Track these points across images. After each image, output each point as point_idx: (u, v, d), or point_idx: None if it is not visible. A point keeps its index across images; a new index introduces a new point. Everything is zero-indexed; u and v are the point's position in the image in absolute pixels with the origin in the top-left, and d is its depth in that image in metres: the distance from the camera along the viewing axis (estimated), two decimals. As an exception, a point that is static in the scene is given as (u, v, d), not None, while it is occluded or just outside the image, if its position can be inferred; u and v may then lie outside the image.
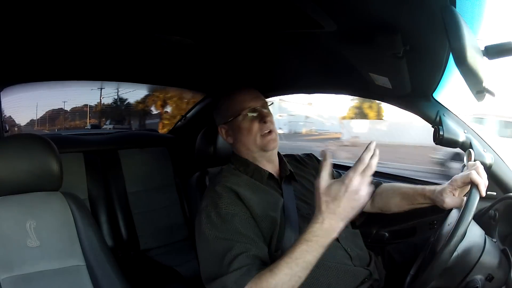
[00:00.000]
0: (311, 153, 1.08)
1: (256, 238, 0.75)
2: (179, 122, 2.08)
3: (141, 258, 1.59)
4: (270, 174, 0.89)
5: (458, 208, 0.79)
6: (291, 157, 1.03)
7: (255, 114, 0.88)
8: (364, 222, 1.05)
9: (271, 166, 0.92)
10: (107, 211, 1.61)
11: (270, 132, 0.88)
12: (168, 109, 1.82)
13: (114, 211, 1.63)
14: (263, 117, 0.87)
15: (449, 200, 0.81)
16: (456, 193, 0.82)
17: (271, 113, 0.91)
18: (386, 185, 1.01)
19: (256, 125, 0.87)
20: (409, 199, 0.93)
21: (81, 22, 0.93)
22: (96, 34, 1.03)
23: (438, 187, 0.86)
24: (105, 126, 2.31)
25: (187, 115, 2.02)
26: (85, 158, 1.62)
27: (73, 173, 1.51)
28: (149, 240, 1.65)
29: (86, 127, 2.36)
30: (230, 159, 0.95)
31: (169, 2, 0.81)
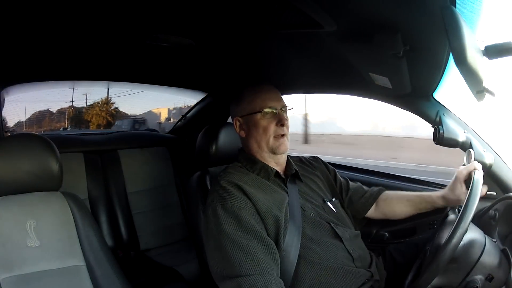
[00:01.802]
0: (316, 156, 1.09)
1: (263, 232, 0.75)
2: (179, 122, 2.08)
3: (141, 258, 1.59)
4: (276, 172, 0.90)
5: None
6: (297, 159, 1.04)
7: (274, 115, 0.88)
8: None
9: (277, 166, 0.92)
10: (107, 211, 1.61)
11: (283, 135, 0.89)
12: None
13: (114, 211, 1.63)
14: (281, 120, 0.88)
15: (464, 196, 0.83)
16: (464, 187, 0.85)
17: (288, 118, 0.91)
18: (390, 192, 1.03)
19: (272, 126, 0.87)
20: (415, 206, 0.97)
21: (82, 22, 0.93)
22: (97, 34, 1.03)
23: (445, 190, 0.89)
24: (68, 128, 2.86)
25: (187, 115, 2.02)
26: (85, 158, 1.62)
27: (73, 173, 1.51)
28: (149, 240, 1.64)
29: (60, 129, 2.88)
30: (235, 158, 0.95)
31: (169, 2, 0.81)
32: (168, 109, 2.74)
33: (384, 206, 1.01)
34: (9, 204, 0.85)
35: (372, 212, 1.01)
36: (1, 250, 0.80)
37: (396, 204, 0.99)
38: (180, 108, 2.40)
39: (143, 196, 1.70)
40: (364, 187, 1.05)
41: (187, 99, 2.10)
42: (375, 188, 1.04)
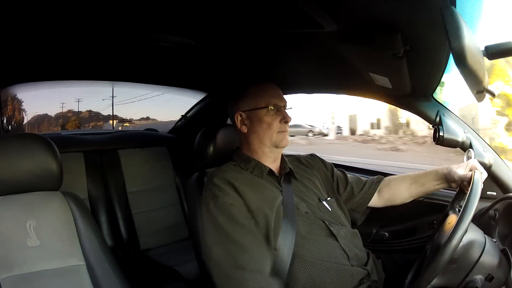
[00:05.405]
0: (313, 154, 1.09)
1: (254, 228, 0.77)
2: (179, 122, 2.08)
3: (141, 258, 1.59)
4: (270, 170, 0.90)
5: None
6: (293, 157, 1.03)
7: (278, 112, 0.90)
8: (364, 222, 1.05)
9: (273, 164, 0.92)
10: (107, 211, 1.61)
11: (284, 131, 0.91)
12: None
13: (114, 211, 1.63)
14: (285, 117, 0.90)
15: (461, 171, 0.84)
16: (467, 173, 0.85)
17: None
18: (390, 177, 1.03)
19: (277, 122, 0.89)
20: (419, 181, 0.95)
21: (82, 23, 0.93)
22: (97, 34, 1.03)
23: (452, 167, 0.89)
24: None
25: (187, 115, 2.02)
26: (85, 158, 1.62)
27: (73, 173, 1.51)
28: (149, 240, 1.65)
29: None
30: (231, 158, 0.95)
31: (169, 2, 0.81)
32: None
33: (386, 192, 1.00)
34: (9, 203, 0.85)
35: (375, 201, 1.01)
36: (1, 249, 0.80)
37: (399, 185, 0.99)
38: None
39: (143, 196, 1.71)
40: (363, 178, 1.05)
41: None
42: (374, 177, 1.04)
